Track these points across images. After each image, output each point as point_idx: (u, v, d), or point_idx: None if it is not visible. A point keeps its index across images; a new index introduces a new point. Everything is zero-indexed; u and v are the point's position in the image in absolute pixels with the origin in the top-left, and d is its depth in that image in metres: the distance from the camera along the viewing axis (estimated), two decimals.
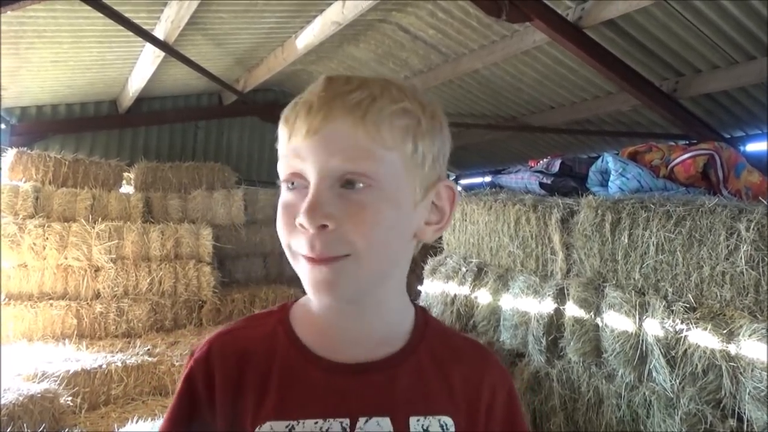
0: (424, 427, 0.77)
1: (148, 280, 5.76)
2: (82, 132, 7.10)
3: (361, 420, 0.75)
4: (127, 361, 4.59)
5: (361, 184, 0.72)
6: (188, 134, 8.00)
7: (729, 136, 5.29)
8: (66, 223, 5.65)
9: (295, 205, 0.73)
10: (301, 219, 0.70)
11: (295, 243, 0.74)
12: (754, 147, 5.24)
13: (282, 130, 0.76)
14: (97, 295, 5.62)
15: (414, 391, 0.79)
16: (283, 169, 0.76)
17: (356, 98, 0.72)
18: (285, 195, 0.76)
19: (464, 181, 9.45)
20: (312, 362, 0.79)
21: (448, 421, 0.79)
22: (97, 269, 5.67)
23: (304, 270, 0.74)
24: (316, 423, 0.74)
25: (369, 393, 0.77)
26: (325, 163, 0.71)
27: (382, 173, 0.73)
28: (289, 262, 0.78)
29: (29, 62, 5.14)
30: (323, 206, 0.70)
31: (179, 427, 0.79)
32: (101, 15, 3.88)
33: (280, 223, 0.76)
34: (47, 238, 5.45)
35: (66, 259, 5.51)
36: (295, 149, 0.73)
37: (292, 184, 0.75)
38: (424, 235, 0.81)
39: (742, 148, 5.16)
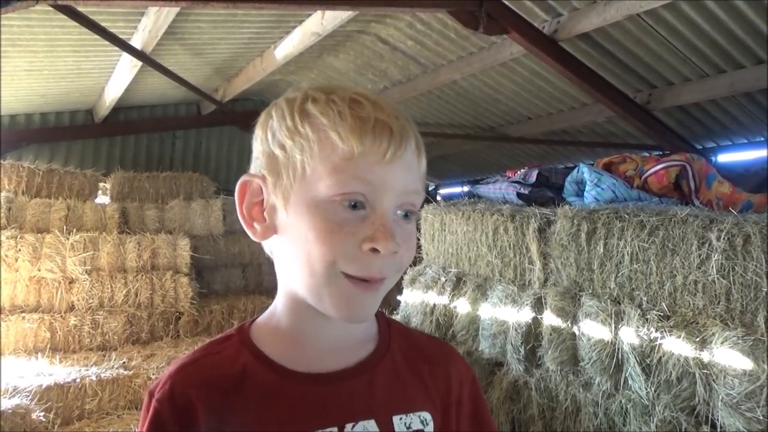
0: (407, 425, 0.79)
1: (124, 292, 5.66)
2: (57, 141, 7.00)
3: (348, 426, 0.75)
4: (102, 375, 4.49)
5: (413, 215, 0.78)
6: (166, 144, 7.92)
7: (701, 147, 5.41)
8: (39, 234, 5.54)
9: (353, 225, 0.72)
10: (381, 245, 0.71)
11: (345, 263, 0.72)
12: (724, 158, 5.36)
13: (341, 141, 0.72)
14: (72, 308, 5.51)
15: (393, 391, 0.81)
16: (340, 185, 0.72)
17: (413, 131, 0.77)
18: (340, 213, 0.72)
19: (443, 191, 9.50)
20: (287, 378, 0.77)
21: (427, 416, 0.81)
22: (72, 281, 5.56)
23: (345, 290, 0.73)
24: None
25: (351, 398, 0.78)
26: (399, 191, 0.74)
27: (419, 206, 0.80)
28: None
29: (2, 71, 5.05)
30: (395, 234, 0.73)
31: None
32: (77, 24, 3.84)
33: (330, 239, 0.71)
34: (20, 250, 5.34)
35: (39, 270, 5.40)
36: (365, 169, 0.72)
37: (355, 205, 0.72)
38: None
39: (713, 158, 5.27)
